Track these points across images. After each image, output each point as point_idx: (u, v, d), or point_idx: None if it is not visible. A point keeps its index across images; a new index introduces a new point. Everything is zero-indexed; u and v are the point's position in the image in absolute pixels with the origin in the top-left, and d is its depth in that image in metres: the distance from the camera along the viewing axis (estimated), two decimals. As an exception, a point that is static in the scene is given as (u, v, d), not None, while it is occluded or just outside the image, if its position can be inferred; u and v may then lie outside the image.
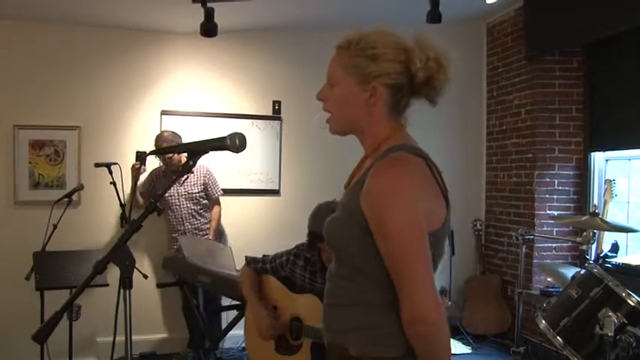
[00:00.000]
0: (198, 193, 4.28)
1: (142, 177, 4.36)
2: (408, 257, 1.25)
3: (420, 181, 1.32)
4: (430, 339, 1.26)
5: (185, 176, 4.25)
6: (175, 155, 4.10)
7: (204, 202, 4.34)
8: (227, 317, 3.83)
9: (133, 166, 4.15)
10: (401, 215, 1.26)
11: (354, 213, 1.32)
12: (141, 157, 4.04)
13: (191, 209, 4.27)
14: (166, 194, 4.19)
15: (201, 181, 4.30)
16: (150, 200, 1.55)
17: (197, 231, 4.28)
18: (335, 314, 1.42)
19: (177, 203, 4.26)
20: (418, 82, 1.38)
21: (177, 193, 4.25)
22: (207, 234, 4.32)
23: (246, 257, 2.80)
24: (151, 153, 1.61)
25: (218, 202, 4.42)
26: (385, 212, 1.27)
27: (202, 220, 4.32)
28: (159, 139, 4.15)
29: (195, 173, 4.28)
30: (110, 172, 3.96)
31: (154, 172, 4.37)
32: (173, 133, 4.21)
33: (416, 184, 1.31)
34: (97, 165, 4.01)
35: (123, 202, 4.02)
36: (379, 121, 1.42)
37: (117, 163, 4.01)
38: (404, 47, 1.39)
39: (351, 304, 1.37)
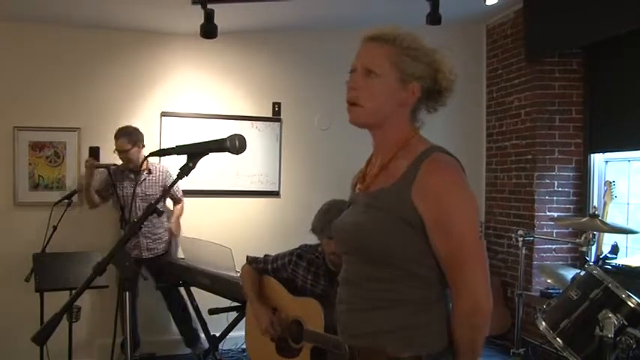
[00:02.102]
0: (156, 195, 4.12)
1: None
2: (474, 251, 1.33)
3: (468, 181, 1.40)
4: (483, 328, 1.35)
5: (142, 177, 4.11)
6: (134, 150, 4.00)
7: (161, 205, 4.21)
8: (227, 318, 3.82)
9: (87, 161, 4.01)
10: (467, 212, 1.34)
11: (403, 212, 1.35)
12: (94, 152, 3.99)
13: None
14: (121, 194, 4.07)
15: (160, 183, 4.16)
16: (150, 203, 1.54)
17: (150, 234, 4.14)
18: (367, 317, 1.41)
19: (133, 204, 4.07)
20: (437, 89, 1.44)
21: (134, 193, 4.10)
22: (159, 238, 4.19)
23: (247, 257, 2.80)
24: (152, 154, 1.61)
25: (181, 200, 4.34)
26: (452, 208, 1.32)
27: (157, 223, 4.16)
28: (119, 131, 4.05)
29: (154, 174, 4.15)
30: (110, 174, 3.96)
31: (112, 169, 4.12)
32: (135, 127, 4.13)
33: (467, 183, 1.38)
34: (98, 166, 4.01)
35: (122, 203, 4.02)
36: (403, 121, 1.46)
37: (116, 165, 4.01)
38: (433, 55, 1.44)
39: (390, 306, 1.38)
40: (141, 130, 4.50)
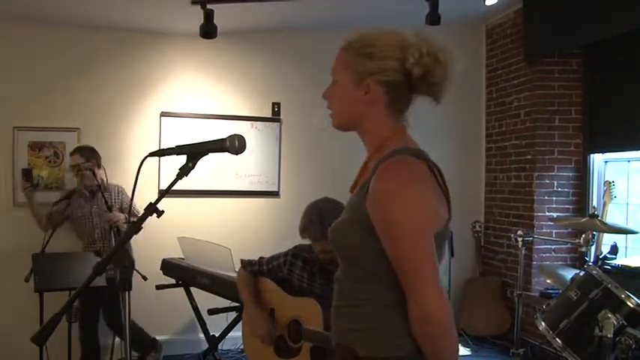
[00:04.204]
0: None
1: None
2: (415, 258, 1.27)
3: (423, 184, 1.33)
4: (438, 339, 1.28)
5: (98, 194, 3.92)
6: (87, 165, 3.89)
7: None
8: (227, 318, 3.82)
9: (24, 187, 3.89)
10: (406, 217, 1.28)
11: (360, 216, 1.34)
12: (27, 175, 3.89)
13: (104, 228, 3.94)
14: (78, 214, 3.96)
15: (117, 201, 4.03)
16: (150, 203, 1.53)
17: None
18: (342, 315, 1.43)
19: (90, 222, 3.96)
20: (415, 78, 1.38)
21: (91, 211, 3.96)
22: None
23: (241, 260, 2.80)
24: (151, 154, 1.60)
25: (133, 215, 4.03)
26: (391, 214, 1.28)
27: (115, 240, 3.94)
28: (75, 149, 3.99)
29: (110, 193, 4.01)
30: (94, 175, 3.93)
31: (67, 192, 4.04)
32: (93, 148, 4.02)
33: (419, 187, 1.32)
34: (87, 168, 4.00)
35: (110, 203, 3.99)
36: (380, 120, 1.44)
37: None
38: (401, 45, 1.40)
39: (359, 305, 1.38)
40: (141, 131, 4.52)
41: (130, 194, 4.09)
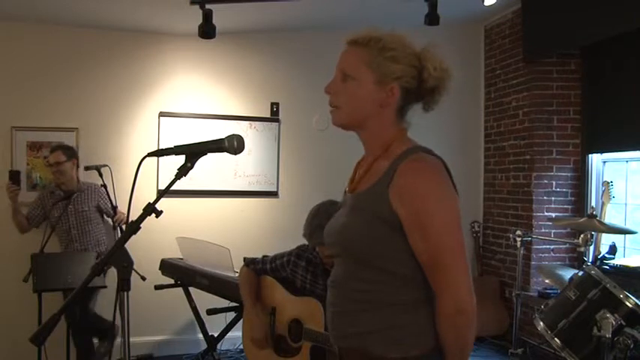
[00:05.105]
0: (89, 210, 3.99)
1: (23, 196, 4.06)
2: (452, 252, 1.32)
3: (446, 179, 1.38)
4: (466, 330, 1.32)
5: (75, 195, 3.95)
6: (68, 164, 3.91)
7: (96, 220, 4.06)
8: (226, 319, 3.82)
9: (8, 187, 3.86)
10: (444, 212, 1.33)
11: (382, 213, 1.34)
12: (14, 176, 3.87)
13: (81, 228, 3.97)
14: (55, 214, 3.92)
15: (93, 200, 4.04)
16: (148, 203, 1.53)
17: (82, 240, 3.99)
18: (352, 319, 1.41)
19: (66, 222, 3.95)
20: (426, 88, 1.43)
21: (67, 211, 3.93)
22: (90, 244, 4.01)
23: (244, 259, 2.80)
24: (150, 154, 1.60)
25: (116, 212, 4.09)
26: (429, 209, 1.31)
27: (92, 240, 4.00)
28: (55, 146, 4.01)
29: (85, 192, 4.02)
30: (100, 175, 3.94)
31: (42, 193, 4.09)
32: (72, 146, 4.08)
33: (445, 181, 1.37)
34: (87, 168, 4.00)
35: (115, 204, 4.00)
36: (387, 123, 1.45)
37: (107, 165, 3.99)
38: (417, 53, 1.43)
39: (374, 307, 1.38)
40: (140, 131, 4.51)
41: (106, 195, 4.05)
